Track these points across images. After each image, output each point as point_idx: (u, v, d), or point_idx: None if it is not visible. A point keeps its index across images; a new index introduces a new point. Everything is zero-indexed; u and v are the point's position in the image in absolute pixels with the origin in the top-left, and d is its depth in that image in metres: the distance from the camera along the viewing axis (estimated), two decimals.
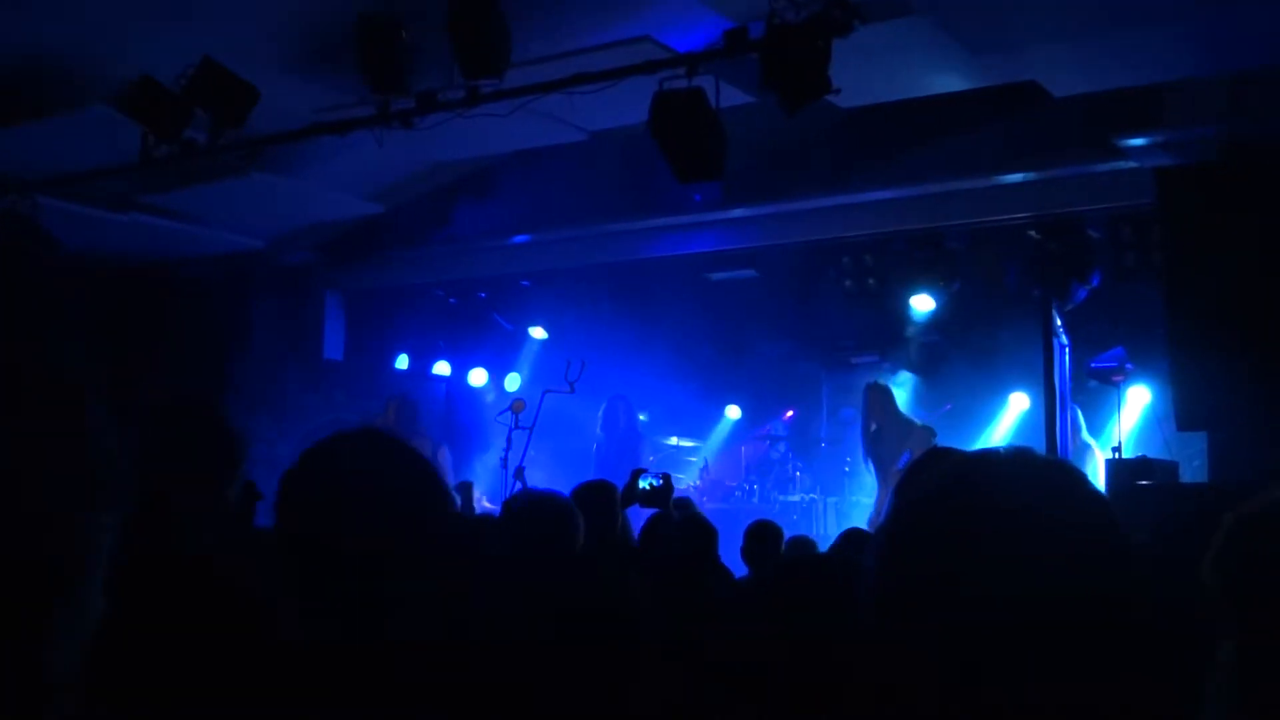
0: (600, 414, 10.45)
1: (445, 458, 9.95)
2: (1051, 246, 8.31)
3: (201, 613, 1.96)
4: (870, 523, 8.68)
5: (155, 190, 8.11)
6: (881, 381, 9.78)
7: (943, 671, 1.09)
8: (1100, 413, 9.21)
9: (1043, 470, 1.19)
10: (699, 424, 12.04)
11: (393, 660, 1.63)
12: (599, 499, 5.30)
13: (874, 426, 9.39)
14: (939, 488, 1.19)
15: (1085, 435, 8.84)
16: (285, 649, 1.70)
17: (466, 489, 7.90)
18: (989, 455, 1.24)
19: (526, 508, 3.93)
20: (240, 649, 1.80)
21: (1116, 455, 7.20)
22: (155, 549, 2.06)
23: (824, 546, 7.06)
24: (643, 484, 5.89)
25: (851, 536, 5.19)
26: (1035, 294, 8.28)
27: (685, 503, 6.50)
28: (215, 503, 2.48)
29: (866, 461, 9.56)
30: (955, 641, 1.09)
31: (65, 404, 0.94)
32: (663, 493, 5.90)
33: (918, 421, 9.39)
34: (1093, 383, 8.78)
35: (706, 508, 9.96)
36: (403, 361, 11.69)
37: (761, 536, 5.63)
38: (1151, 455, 7.03)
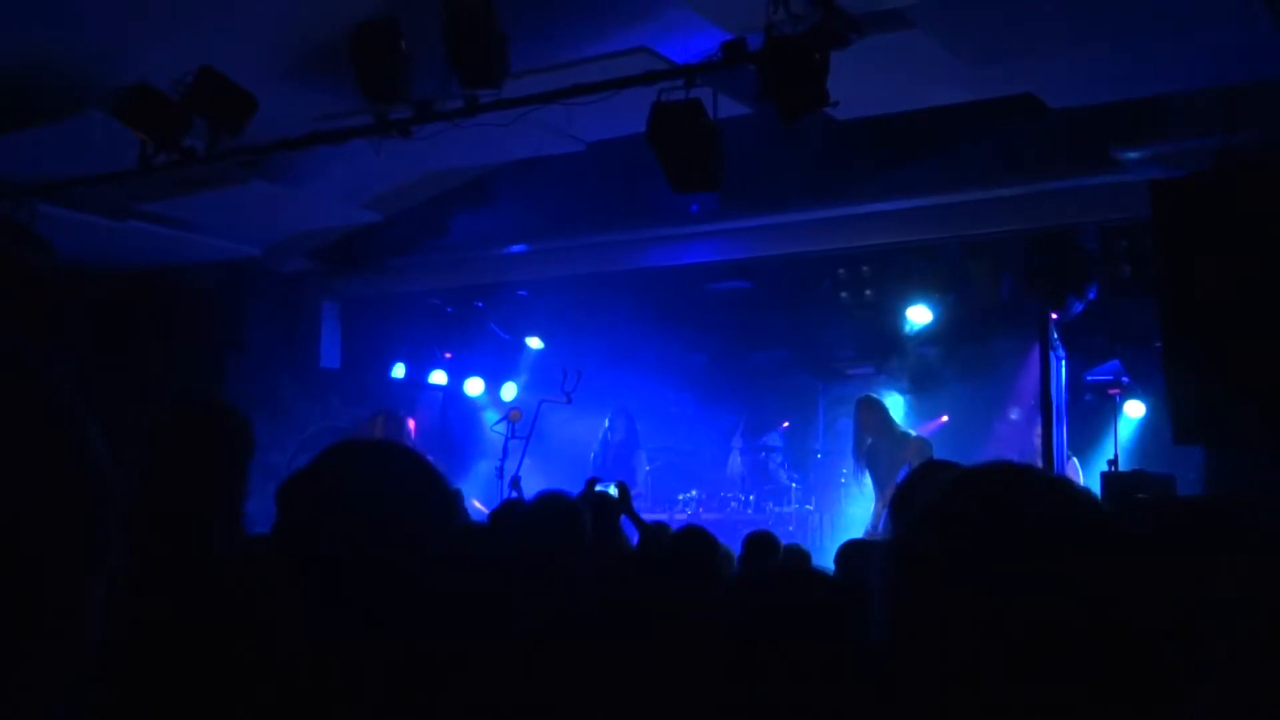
0: (605, 425, 10.51)
1: None
2: (1048, 259, 8.32)
3: (208, 614, 1.96)
4: (867, 535, 8.68)
5: (153, 198, 8.10)
6: (873, 395, 9.77)
7: (960, 682, 1.10)
8: (1096, 426, 9.21)
9: (1044, 482, 1.19)
10: (695, 434, 12.03)
11: (391, 664, 1.63)
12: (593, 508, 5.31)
13: (869, 441, 9.39)
14: (944, 505, 1.20)
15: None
16: (289, 653, 1.69)
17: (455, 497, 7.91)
18: (991, 469, 1.24)
19: (538, 507, 3.95)
20: (245, 652, 1.79)
21: (1113, 469, 7.20)
22: (163, 550, 2.05)
23: (818, 558, 7.05)
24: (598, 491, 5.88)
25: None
26: (1031, 306, 8.29)
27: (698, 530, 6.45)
28: (226, 501, 2.46)
29: (858, 474, 9.56)
30: (974, 653, 1.09)
31: (53, 415, 0.80)
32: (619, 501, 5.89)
33: (913, 433, 9.39)
34: (1089, 396, 8.78)
35: (703, 518, 9.96)
36: (399, 370, 11.68)
37: (760, 548, 5.63)
38: (1147, 469, 7.03)
